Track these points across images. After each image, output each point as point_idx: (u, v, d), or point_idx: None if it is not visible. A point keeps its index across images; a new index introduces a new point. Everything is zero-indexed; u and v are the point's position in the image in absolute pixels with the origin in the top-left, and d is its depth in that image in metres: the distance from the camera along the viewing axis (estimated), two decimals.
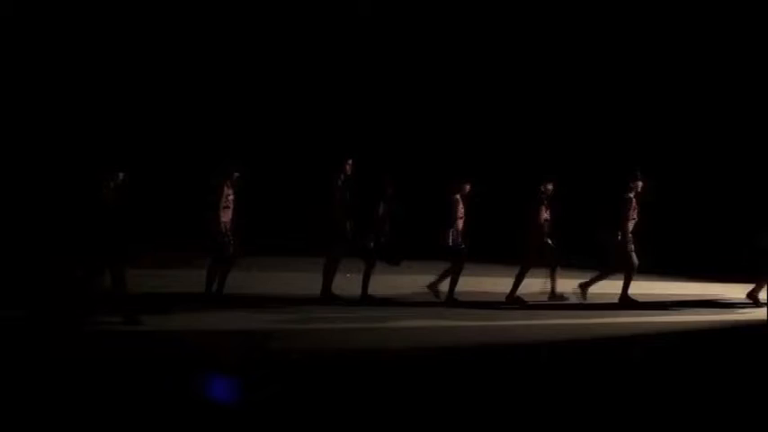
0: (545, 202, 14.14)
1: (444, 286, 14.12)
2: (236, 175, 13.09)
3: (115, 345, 10.84)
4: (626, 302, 14.36)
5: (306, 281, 13.99)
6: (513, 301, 14.13)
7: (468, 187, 14.05)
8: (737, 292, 15.05)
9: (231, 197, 12.94)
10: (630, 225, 14.22)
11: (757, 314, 13.76)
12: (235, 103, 19.65)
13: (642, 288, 14.83)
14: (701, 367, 10.66)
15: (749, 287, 14.70)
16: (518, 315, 13.66)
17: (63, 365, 9.56)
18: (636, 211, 14.23)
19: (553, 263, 14.27)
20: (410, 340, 11.99)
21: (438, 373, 10.12)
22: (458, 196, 14.01)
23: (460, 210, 14.01)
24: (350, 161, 13.71)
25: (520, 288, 14.11)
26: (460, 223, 13.98)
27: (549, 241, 14.16)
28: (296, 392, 8.82)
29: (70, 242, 12.13)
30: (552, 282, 14.34)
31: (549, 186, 14.17)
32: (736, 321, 13.74)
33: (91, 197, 12.15)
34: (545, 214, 14.18)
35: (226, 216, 12.92)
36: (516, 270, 14.17)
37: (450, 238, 13.89)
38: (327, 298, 13.58)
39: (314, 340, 11.74)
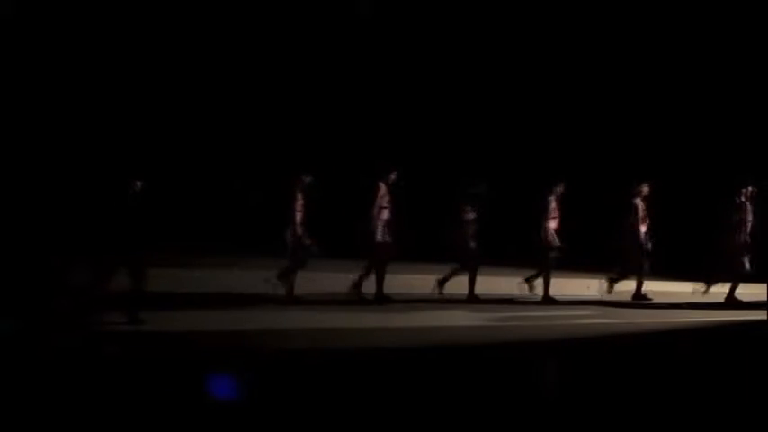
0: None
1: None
2: (308, 180, 13.51)
3: (120, 344, 11.01)
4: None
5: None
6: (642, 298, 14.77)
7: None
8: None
9: (303, 202, 13.38)
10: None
11: (757, 314, 13.92)
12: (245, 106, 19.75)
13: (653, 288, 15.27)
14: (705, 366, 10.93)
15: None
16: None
17: (62, 366, 9.69)
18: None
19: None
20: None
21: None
22: (552, 198, 14.45)
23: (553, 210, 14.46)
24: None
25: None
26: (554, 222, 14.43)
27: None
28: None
29: (92, 242, 12.47)
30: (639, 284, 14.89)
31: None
32: (737, 321, 13.86)
33: (113, 200, 12.54)
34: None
35: (300, 220, 13.43)
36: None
37: (546, 236, 14.23)
38: (381, 299, 13.93)
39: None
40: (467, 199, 14.24)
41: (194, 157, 18.83)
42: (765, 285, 13.90)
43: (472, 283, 14.33)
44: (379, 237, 13.81)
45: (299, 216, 13.46)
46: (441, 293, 14.37)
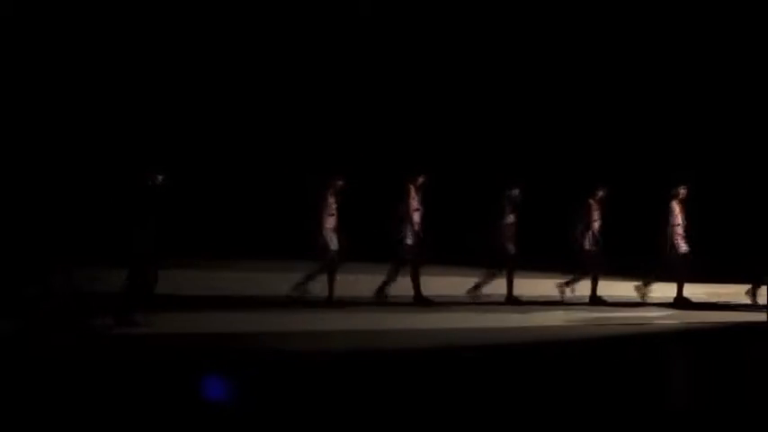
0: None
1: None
2: (340, 183, 13.44)
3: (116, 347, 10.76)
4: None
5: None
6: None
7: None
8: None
9: (335, 204, 13.39)
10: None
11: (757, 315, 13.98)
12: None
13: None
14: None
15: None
16: None
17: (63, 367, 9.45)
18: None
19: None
20: None
21: None
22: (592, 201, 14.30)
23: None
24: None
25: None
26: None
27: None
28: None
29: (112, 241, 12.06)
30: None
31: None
32: (737, 322, 13.87)
33: (130, 195, 12.19)
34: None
35: (330, 223, 13.39)
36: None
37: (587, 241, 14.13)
38: (421, 301, 13.89)
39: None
40: (506, 201, 14.21)
41: (223, 156, 18.50)
42: None
43: (510, 284, 14.28)
44: (409, 240, 13.77)
45: (330, 218, 13.45)
46: (476, 297, 14.28)
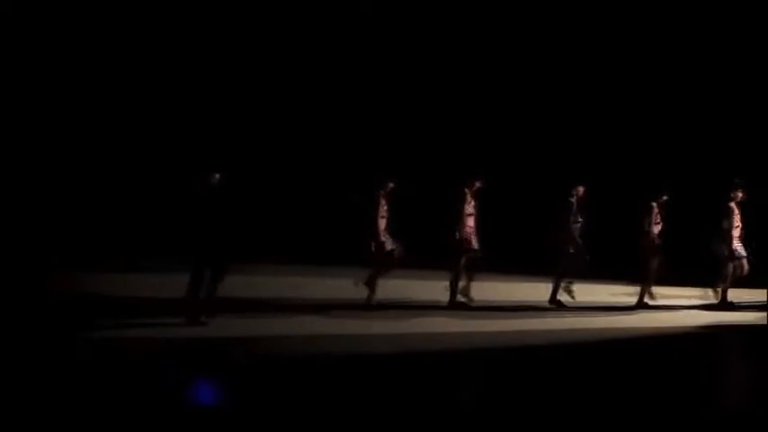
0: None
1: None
2: (391, 186, 13.32)
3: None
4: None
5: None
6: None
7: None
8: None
9: (387, 208, 13.30)
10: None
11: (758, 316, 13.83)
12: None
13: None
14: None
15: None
16: None
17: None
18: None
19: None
20: None
21: None
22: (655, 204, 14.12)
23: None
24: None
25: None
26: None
27: None
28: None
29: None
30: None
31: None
32: (738, 324, 13.74)
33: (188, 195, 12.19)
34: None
35: (382, 226, 13.32)
36: None
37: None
38: (455, 305, 13.76)
39: None
40: (570, 205, 14.02)
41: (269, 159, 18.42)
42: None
43: (558, 285, 14.13)
44: (464, 244, 13.62)
45: (382, 222, 13.30)
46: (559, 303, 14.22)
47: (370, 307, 13.22)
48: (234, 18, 18.99)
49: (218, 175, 12.01)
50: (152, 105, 18.55)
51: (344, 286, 13.38)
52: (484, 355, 11.33)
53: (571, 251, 13.89)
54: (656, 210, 14.11)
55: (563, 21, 19.04)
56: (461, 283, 13.62)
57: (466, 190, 13.68)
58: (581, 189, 14.01)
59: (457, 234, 13.50)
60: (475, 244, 13.59)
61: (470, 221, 13.63)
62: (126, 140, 18.04)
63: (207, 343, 11.21)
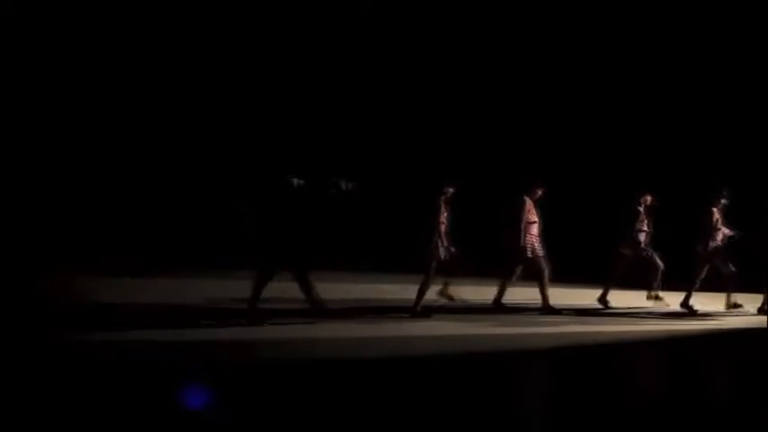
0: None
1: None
2: (451, 191, 13.24)
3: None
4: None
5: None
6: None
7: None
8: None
9: (446, 214, 13.20)
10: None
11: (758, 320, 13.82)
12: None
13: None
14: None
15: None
16: None
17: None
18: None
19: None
20: None
21: None
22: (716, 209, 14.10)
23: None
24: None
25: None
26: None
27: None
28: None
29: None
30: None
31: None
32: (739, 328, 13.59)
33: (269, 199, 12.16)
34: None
35: (441, 231, 13.17)
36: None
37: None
38: (499, 306, 13.84)
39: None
40: (638, 213, 14.16)
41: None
42: None
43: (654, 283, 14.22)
44: (528, 252, 13.63)
45: (442, 227, 13.20)
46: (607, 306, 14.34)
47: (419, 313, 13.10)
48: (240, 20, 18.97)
49: (298, 181, 12.01)
50: (152, 105, 18.60)
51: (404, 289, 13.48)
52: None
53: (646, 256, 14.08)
54: (716, 215, 14.10)
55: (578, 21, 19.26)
56: (544, 291, 13.61)
57: (526, 197, 13.66)
58: (649, 197, 14.15)
59: (519, 242, 13.48)
60: (539, 251, 13.59)
61: (533, 229, 13.59)
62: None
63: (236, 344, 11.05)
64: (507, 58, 19.36)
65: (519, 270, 13.71)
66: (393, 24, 19.46)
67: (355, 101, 19.23)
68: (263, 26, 19.05)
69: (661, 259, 14.11)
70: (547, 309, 13.58)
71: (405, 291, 13.46)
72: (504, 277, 13.72)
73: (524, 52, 19.37)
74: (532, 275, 13.70)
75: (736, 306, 14.30)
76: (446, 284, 13.48)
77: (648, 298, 14.33)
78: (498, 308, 13.64)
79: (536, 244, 13.58)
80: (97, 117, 18.38)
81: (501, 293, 13.71)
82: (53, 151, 17.65)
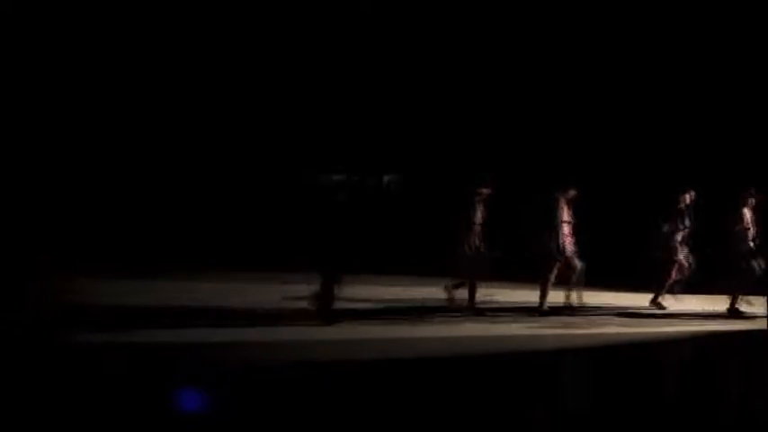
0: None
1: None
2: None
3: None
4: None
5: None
6: None
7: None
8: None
9: (482, 214, 13.29)
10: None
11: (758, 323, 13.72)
12: None
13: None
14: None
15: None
16: None
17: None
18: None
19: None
20: None
21: None
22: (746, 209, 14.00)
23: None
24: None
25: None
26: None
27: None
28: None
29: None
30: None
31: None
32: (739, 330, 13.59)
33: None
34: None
35: (475, 232, 13.29)
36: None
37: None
38: (543, 312, 13.77)
39: None
40: (675, 212, 14.09)
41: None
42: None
43: (665, 288, 14.18)
44: (557, 253, 13.60)
45: (477, 228, 13.28)
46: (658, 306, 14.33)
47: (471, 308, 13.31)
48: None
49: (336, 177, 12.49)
50: (152, 105, 18.62)
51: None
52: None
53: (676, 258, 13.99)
54: (747, 215, 14.01)
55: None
56: (572, 294, 13.65)
57: (560, 197, 13.62)
58: (687, 196, 14.04)
59: (552, 242, 13.43)
60: (570, 251, 13.53)
61: (564, 229, 13.56)
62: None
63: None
64: (530, 58, 19.25)
65: (556, 269, 13.60)
66: (393, 24, 19.41)
67: (357, 101, 19.23)
68: (274, 27, 19.17)
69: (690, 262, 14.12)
70: (540, 310, 13.58)
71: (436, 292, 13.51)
72: (564, 283, 13.67)
73: (548, 53, 19.22)
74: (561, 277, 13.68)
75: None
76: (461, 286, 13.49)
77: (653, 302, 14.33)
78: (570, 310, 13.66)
79: (567, 244, 13.55)
80: (97, 117, 18.34)
81: (568, 297, 13.72)
82: (53, 151, 17.54)
